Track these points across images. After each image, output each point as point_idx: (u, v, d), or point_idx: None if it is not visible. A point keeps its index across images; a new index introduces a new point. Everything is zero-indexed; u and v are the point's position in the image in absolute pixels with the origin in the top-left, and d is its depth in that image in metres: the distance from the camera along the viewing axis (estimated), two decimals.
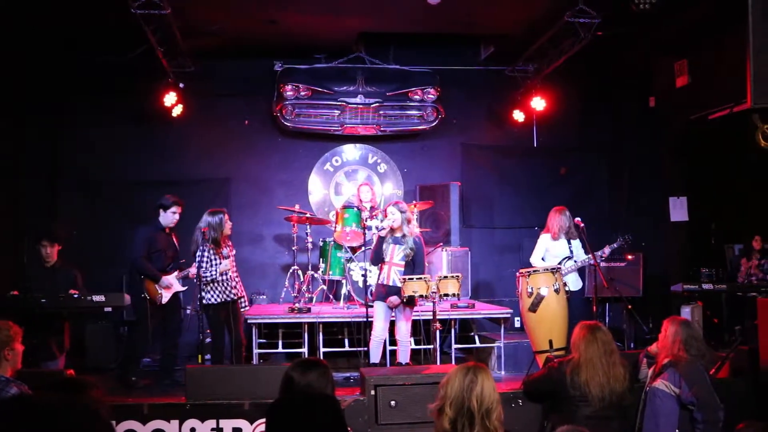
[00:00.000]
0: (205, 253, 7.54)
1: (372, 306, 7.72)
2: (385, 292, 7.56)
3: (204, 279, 7.47)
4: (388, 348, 8.14)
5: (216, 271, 7.51)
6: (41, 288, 7.47)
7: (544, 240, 8.41)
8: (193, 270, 7.67)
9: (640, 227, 10.56)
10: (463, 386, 3.61)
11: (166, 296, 7.87)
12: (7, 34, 8.67)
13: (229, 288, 7.66)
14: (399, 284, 7.43)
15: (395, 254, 7.55)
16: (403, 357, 7.66)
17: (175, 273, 7.93)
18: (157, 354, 8.46)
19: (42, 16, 8.68)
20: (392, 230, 7.56)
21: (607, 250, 8.17)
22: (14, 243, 8.92)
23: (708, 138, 10.14)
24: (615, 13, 8.41)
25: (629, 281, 9.95)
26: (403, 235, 7.53)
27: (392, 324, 7.76)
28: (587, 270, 8.51)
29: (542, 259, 8.37)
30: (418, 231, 7.97)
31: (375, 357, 7.61)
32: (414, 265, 7.54)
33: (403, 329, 7.65)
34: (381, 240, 7.65)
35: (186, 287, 8.09)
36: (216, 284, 7.59)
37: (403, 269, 7.54)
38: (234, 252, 7.93)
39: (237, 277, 7.89)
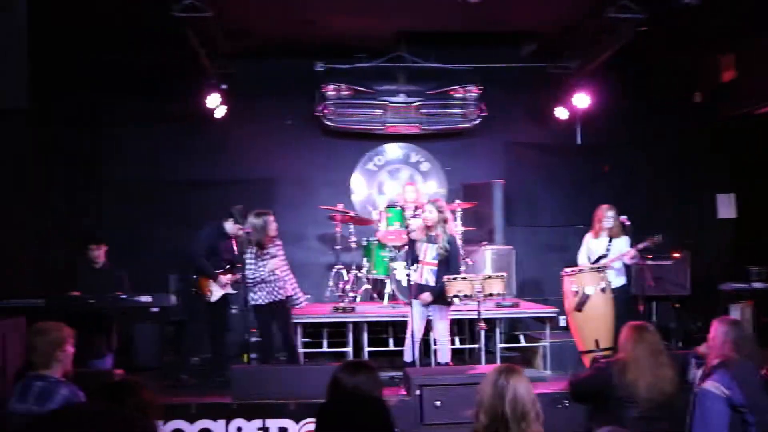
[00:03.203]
0: (247, 256, 7.60)
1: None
2: (418, 290, 7.49)
3: (251, 281, 7.54)
4: (432, 347, 8.11)
5: (264, 271, 7.54)
6: (90, 289, 7.66)
7: (586, 238, 8.41)
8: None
9: (686, 225, 10.41)
10: (495, 393, 3.54)
11: (216, 295, 8.01)
12: (52, 35, 8.76)
13: (276, 288, 7.66)
14: (431, 283, 7.39)
15: (428, 253, 7.47)
16: (443, 357, 7.57)
17: (229, 275, 8.09)
18: (207, 353, 8.57)
19: (83, 17, 8.74)
20: (427, 228, 7.51)
21: (632, 251, 8.07)
22: (63, 247, 9.11)
23: (755, 133, 9.96)
24: (659, 8, 8.29)
25: (676, 279, 9.81)
26: (437, 234, 7.43)
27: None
28: (632, 268, 8.43)
29: (588, 258, 8.33)
30: (457, 231, 7.86)
31: (408, 356, 7.53)
32: (448, 264, 7.41)
33: (440, 329, 7.55)
34: (414, 240, 7.60)
35: (236, 291, 8.17)
36: (264, 285, 7.60)
37: (436, 268, 7.42)
38: (283, 252, 7.90)
39: (288, 276, 7.88)
